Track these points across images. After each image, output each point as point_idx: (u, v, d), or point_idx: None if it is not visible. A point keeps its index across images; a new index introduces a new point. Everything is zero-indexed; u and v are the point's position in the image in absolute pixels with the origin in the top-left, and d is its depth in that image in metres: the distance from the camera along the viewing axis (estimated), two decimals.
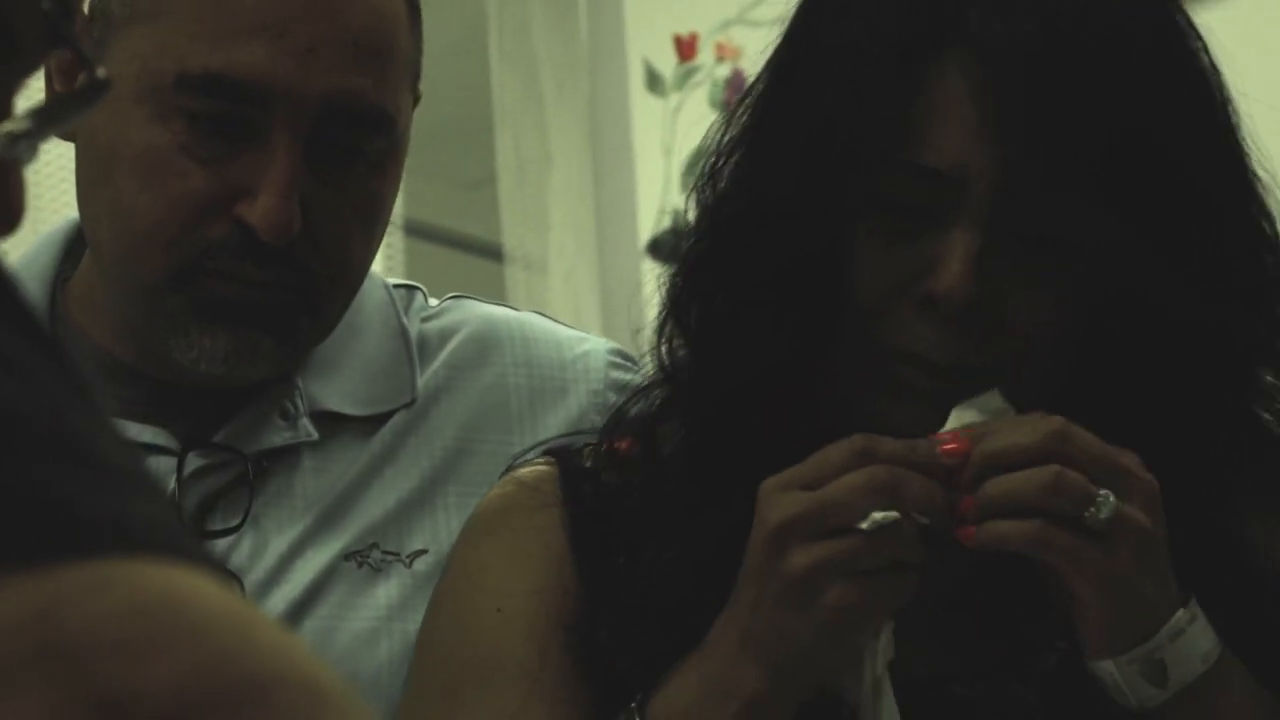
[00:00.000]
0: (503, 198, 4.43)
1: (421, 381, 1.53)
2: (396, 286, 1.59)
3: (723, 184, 1.30)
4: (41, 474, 0.46)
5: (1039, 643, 1.27)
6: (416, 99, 1.51)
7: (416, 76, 1.49)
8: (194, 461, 1.44)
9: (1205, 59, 1.26)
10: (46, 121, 0.61)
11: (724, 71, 4.31)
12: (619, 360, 1.59)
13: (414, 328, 1.56)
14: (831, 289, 1.24)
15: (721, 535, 1.24)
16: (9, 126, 0.60)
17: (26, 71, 0.61)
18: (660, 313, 1.33)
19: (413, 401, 1.52)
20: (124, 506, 0.47)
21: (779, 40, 1.31)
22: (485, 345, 1.56)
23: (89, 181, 1.45)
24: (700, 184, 1.32)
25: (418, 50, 1.49)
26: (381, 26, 1.43)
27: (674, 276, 1.32)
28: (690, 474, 1.29)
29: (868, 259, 1.23)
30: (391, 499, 1.48)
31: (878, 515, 1.15)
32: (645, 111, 4.42)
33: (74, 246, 1.53)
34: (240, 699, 0.44)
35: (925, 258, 1.22)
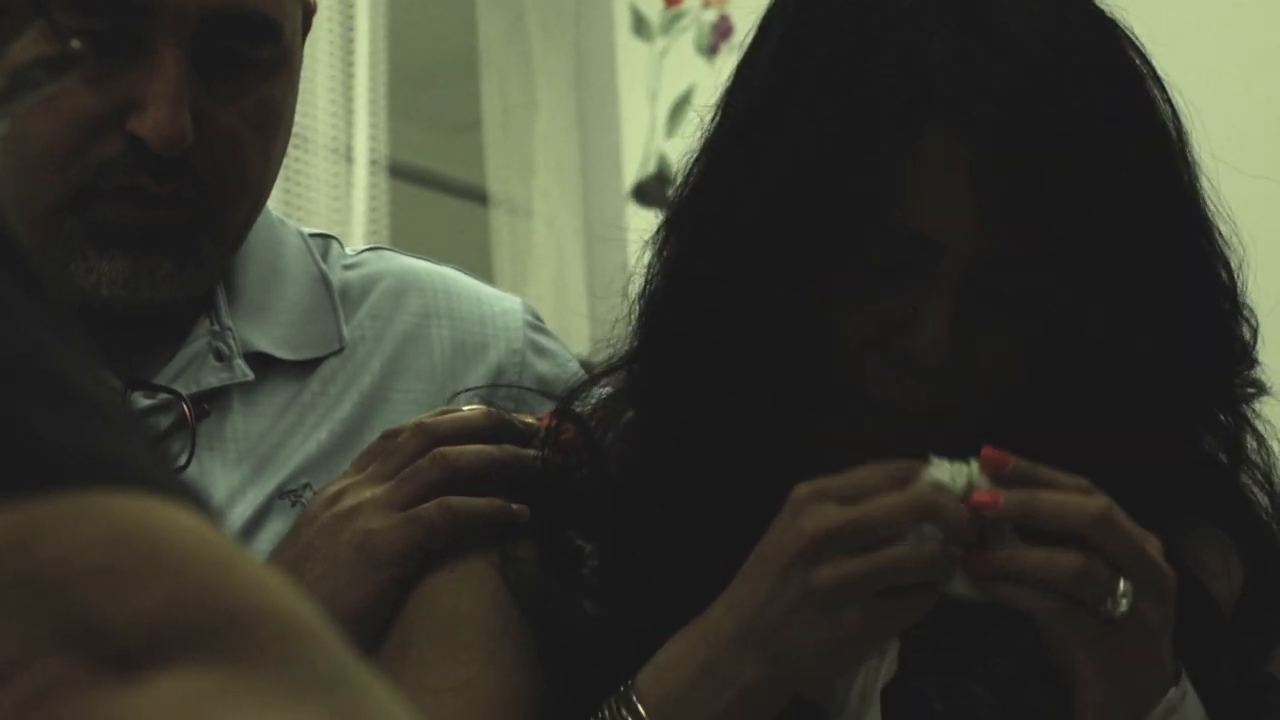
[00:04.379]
0: (487, 142, 4.42)
1: (347, 329, 1.54)
2: (312, 235, 1.60)
3: (696, 226, 1.31)
4: (21, 407, 0.46)
5: (994, 645, 1.28)
6: (309, 8, 1.51)
7: None
8: (138, 401, 1.45)
9: (1171, 110, 1.30)
10: (19, 88, 0.61)
11: (710, 16, 4.29)
12: (534, 320, 1.61)
13: (335, 276, 1.56)
14: (808, 342, 1.27)
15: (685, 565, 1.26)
16: None
17: (7, 40, 0.61)
18: (630, 345, 1.35)
19: (341, 349, 1.53)
20: (104, 440, 0.47)
21: (748, 76, 1.32)
22: (408, 295, 1.57)
23: None
24: (673, 208, 1.33)
25: None
26: None
27: (645, 305, 1.33)
28: (655, 501, 1.31)
29: (844, 312, 1.26)
30: (324, 438, 1.49)
31: (926, 530, 1.15)
32: (631, 56, 4.40)
33: None
34: (216, 631, 0.44)
35: (900, 313, 1.26)
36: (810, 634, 1.16)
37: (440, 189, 4.67)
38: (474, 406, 1.42)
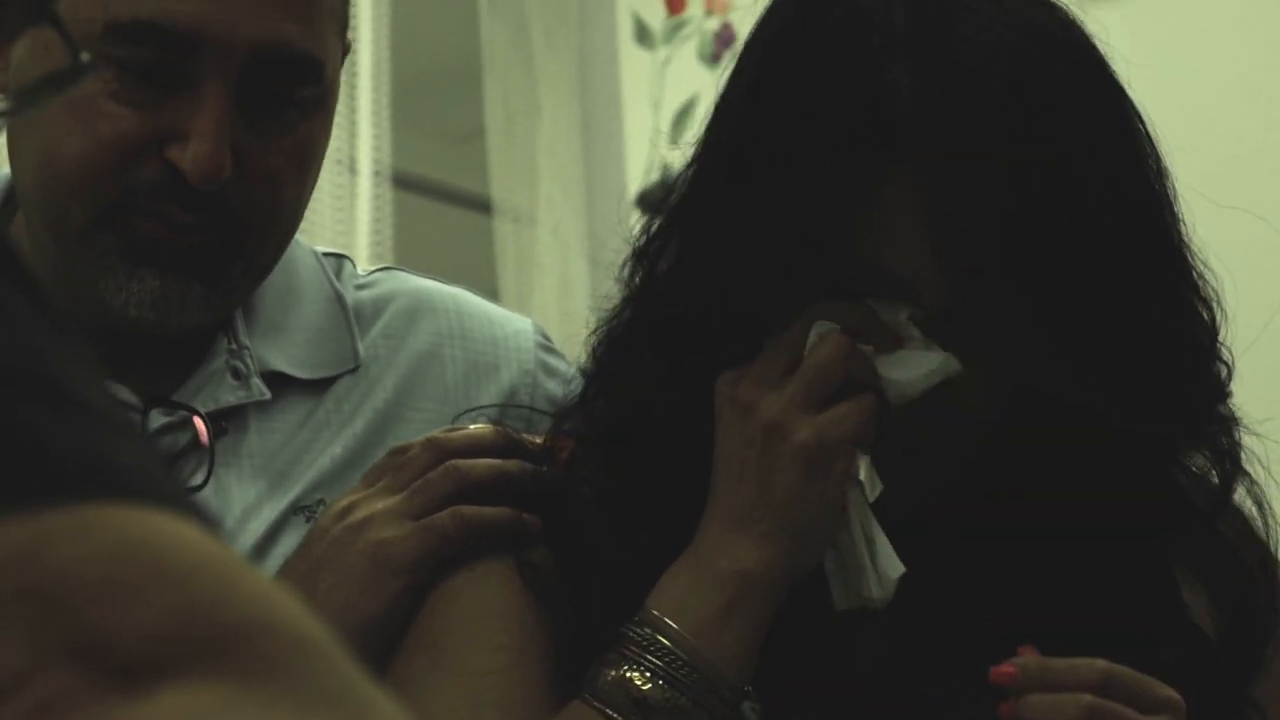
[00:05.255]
0: (491, 150, 4.42)
1: (362, 348, 1.54)
2: (325, 254, 1.61)
3: (658, 274, 1.33)
4: (25, 416, 0.46)
5: (1000, 652, 1.28)
6: (346, 48, 1.52)
7: (344, 24, 1.50)
8: (156, 419, 1.45)
9: (1147, 143, 1.27)
10: (26, 101, 0.61)
11: (713, 25, 4.30)
12: (545, 341, 1.62)
13: (349, 295, 1.57)
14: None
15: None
16: None
17: (9, 40, 0.61)
18: (592, 352, 1.37)
19: (356, 368, 1.53)
20: (108, 451, 0.47)
21: (720, 121, 1.32)
22: (421, 315, 1.58)
23: (17, 129, 1.46)
24: (637, 253, 1.35)
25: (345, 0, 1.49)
26: None
27: (608, 333, 1.36)
28: (628, 511, 1.32)
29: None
30: (338, 454, 1.50)
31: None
32: (634, 64, 4.41)
33: (9, 199, 1.54)
34: (220, 644, 0.44)
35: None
36: (779, 475, 1.22)
37: (444, 198, 4.68)
38: (482, 425, 1.42)
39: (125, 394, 1.45)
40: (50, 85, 0.68)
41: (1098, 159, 1.23)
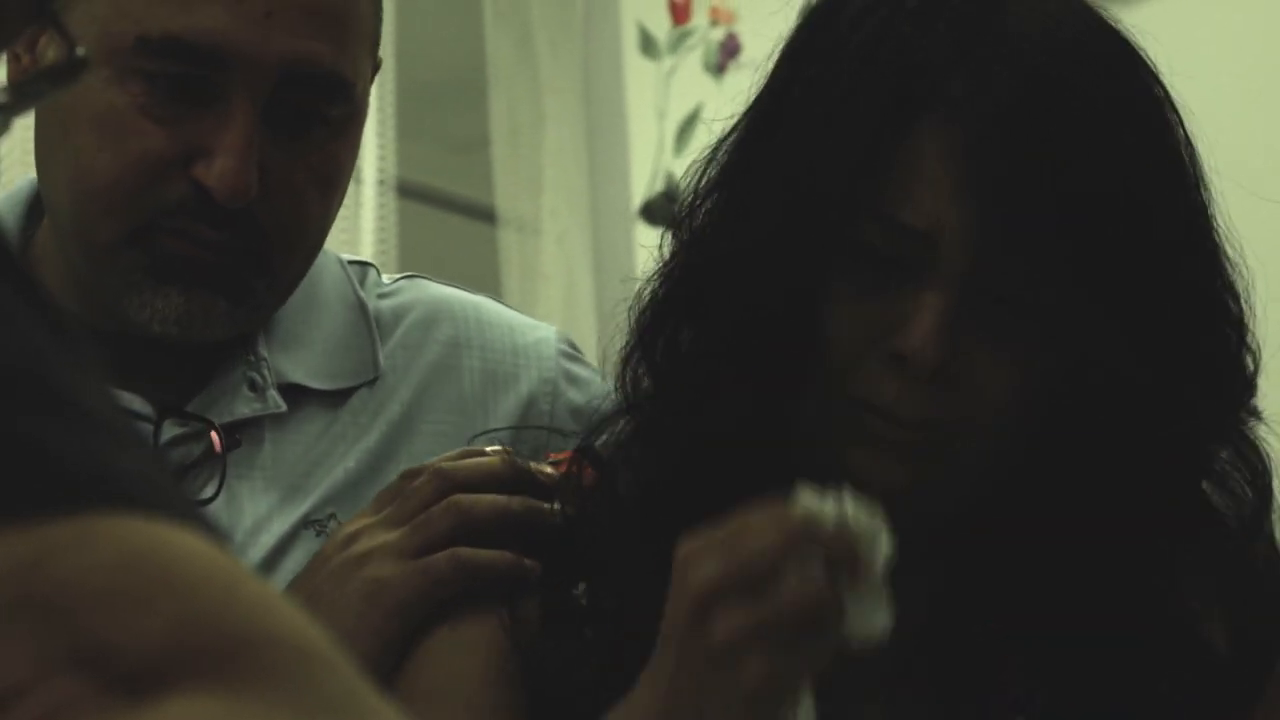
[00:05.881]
0: (496, 160, 4.42)
1: (382, 357, 1.54)
2: (351, 262, 1.60)
3: (699, 224, 1.31)
4: (31, 426, 0.46)
5: (998, 714, 1.26)
6: (376, 66, 1.51)
7: (376, 43, 1.50)
8: (170, 429, 1.45)
9: (1181, 131, 1.27)
10: (24, 96, 0.61)
11: (718, 35, 4.30)
12: (569, 349, 1.60)
13: (370, 304, 1.57)
14: (803, 339, 1.24)
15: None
16: None
17: (6, 43, 0.61)
18: (627, 343, 1.33)
19: (376, 378, 1.53)
20: (113, 461, 0.47)
21: (761, 87, 1.31)
22: (439, 324, 1.57)
23: (47, 142, 1.46)
24: (678, 221, 1.32)
25: (377, 18, 1.49)
26: None
27: (643, 311, 1.32)
28: (649, 519, 1.28)
29: (839, 310, 1.24)
30: (351, 467, 1.49)
31: (810, 569, 1.09)
32: (639, 74, 4.41)
33: (37, 205, 1.54)
34: (224, 654, 0.44)
35: (896, 314, 1.23)
36: (720, 695, 1.10)
37: (448, 208, 4.68)
38: (496, 448, 1.40)
39: (139, 404, 1.45)
40: (48, 80, 0.68)
41: (1137, 125, 1.24)
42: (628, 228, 4.28)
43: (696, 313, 1.29)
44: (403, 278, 1.62)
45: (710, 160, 1.32)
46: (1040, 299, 1.22)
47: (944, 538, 1.27)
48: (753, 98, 1.32)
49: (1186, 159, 1.27)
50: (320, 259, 1.54)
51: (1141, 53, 1.29)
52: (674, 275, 1.31)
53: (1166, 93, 1.28)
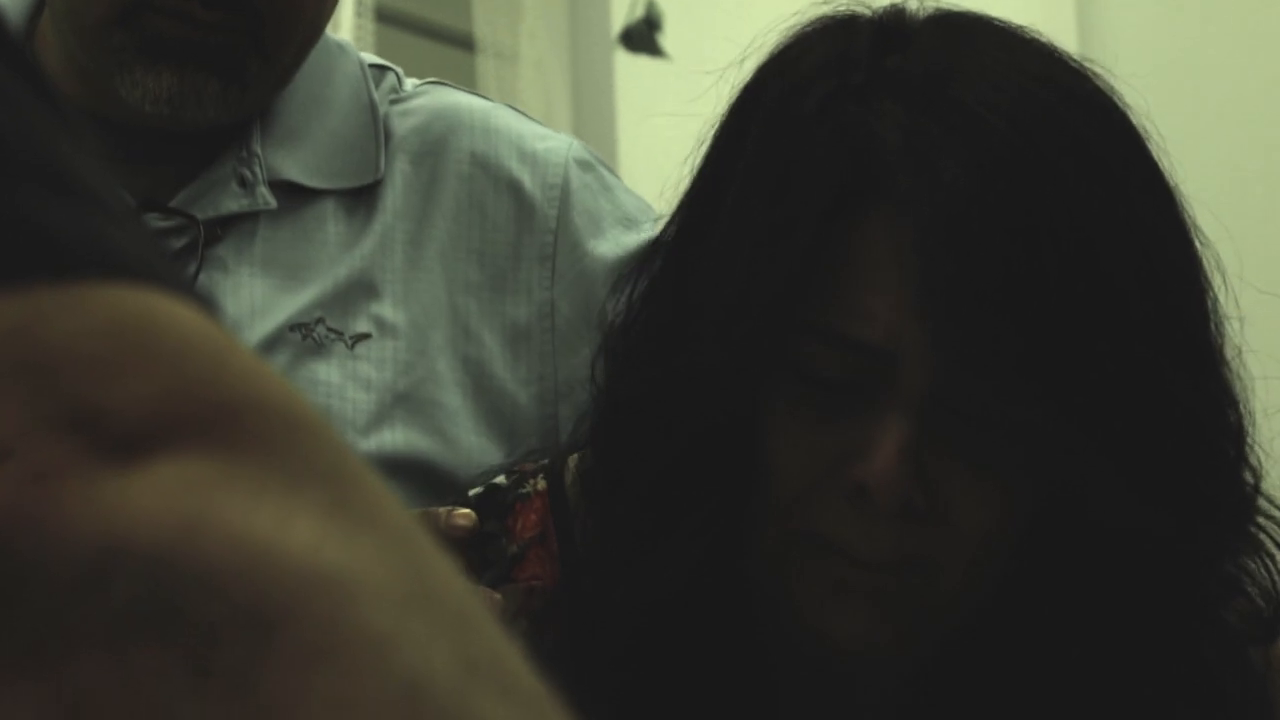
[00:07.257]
0: None
1: (383, 162, 1.53)
2: (372, 66, 1.59)
3: (630, 345, 1.17)
4: (24, 196, 0.46)
5: None
6: None
7: None
8: (151, 223, 1.45)
9: (1174, 212, 1.11)
10: None
11: None
12: (585, 158, 1.56)
13: (382, 108, 1.55)
14: (747, 471, 1.10)
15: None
16: None
17: None
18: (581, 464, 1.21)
19: (376, 183, 1.52)
20: (106, 232, 0.47)
21: (694, 178, 1.17)
22: (444, 131, 1.55)
23: None
24: (608, 346, 1.19)
25: None
26: None
27: (581, 460, 1.21)
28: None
29: (790, 438, 1.09)
30: (342, 275, 1.48)
31: None
32: None
33: None
34: (213, 421, 0.45)
35: (854, 440, 1.08)
36: None
37: (426, 34, 4.65)
38: (464, 512, 1.27)
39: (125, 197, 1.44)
40: None
41: (1118, 229, 1.07)
42: (606, 54, 4.25)
43: (629, 450, 1.15)
44: (427, 83, 1.60)
45: (642, 269, 1.19)
46: (1010, 417, 1.06)
47: (923, 670, 1.17)
48: (686, 187, 1.17)
49: (1176, 250, 1.11)
50: (339, 57, 1.53)
51: (1129, 127, 1.12)
52: (606, 413, 1.18)
53: (1154, 163, 1.12)
